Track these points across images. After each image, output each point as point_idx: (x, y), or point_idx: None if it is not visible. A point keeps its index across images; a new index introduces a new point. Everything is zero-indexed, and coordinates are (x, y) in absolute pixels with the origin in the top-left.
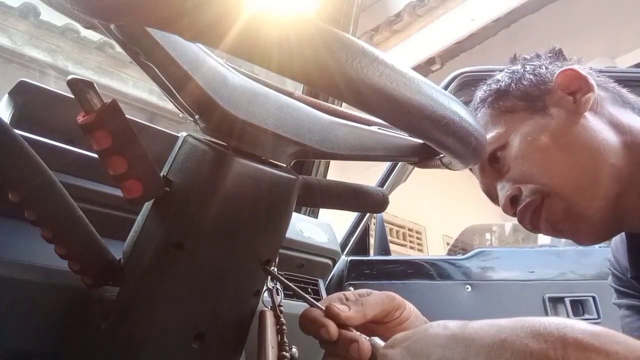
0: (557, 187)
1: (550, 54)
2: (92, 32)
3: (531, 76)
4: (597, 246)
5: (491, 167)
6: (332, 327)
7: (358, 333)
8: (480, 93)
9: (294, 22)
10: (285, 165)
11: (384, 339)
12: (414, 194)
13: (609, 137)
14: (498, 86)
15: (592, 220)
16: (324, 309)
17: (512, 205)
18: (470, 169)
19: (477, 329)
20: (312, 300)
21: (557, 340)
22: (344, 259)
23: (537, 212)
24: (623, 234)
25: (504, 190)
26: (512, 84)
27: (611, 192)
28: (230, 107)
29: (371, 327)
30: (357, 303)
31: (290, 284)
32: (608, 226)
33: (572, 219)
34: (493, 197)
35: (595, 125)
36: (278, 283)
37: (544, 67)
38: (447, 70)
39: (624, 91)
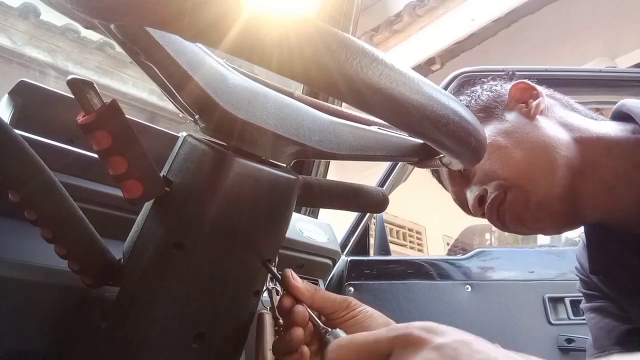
0: (517, 179)
1: (505, 76)
2: (92, 32)
3: (488, 92)
4: None
5: (460, 175)
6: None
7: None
8: None
9: (294, 22)
10: (285, 165)
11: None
12: (414, 194)
13: (560, 133)
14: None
15: (551, 208)
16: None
17: (479, 205)
18: (441, 182)
19: None
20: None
21: None
22: (344, 259)
23: (501, 206)
24: (582, 238)
25: (472, 193)
26: (472, 101)
27: (565, 181)
28: (230, 107)
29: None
30: (311, 285)
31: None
32: (567, 215)
33: (533, 208)
34: (464, 204)
35: (547, 124)
36: (278, 283)
37: (499, 85)
38: (447, 70)
39: (572, 101)
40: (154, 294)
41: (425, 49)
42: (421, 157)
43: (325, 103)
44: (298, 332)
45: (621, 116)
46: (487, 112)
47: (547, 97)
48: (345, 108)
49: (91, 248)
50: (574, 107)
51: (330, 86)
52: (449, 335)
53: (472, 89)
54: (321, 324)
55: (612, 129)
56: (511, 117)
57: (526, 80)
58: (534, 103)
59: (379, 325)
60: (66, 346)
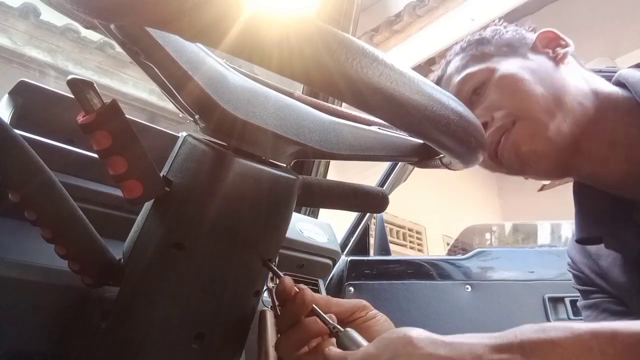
0: (530, 112)
1: (522, 25)
2: (92, 32)
3: (513, 32)
4: None
5: (469, 100)
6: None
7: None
8: (459, 45)
9: (293, 22)
10: (285, 165)
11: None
12: (414, 194)
13: (580, 83)
14: (480, 36)
15: (555, 147)
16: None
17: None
18: None
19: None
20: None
21: (517, 346)
22: (344, 259)
23: (505, 135)
24: (572, 232)
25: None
26: (495, 36)
27: (575, 127)
28: (230, 107)
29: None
30: (323, 297)
31: (282, 278)
32: (564, 160)
33: (538, 142)
34: None
35: (569, 73)
36: (278, 282)
37: (524, 31)
38: None
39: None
40: (154, 294)
41: (425, 49)
42: (421, 157)
43: (325, 103)
44: (313, 322)
45: (617, 85)
46: (511, 48)
47: (570, 50)
48: (345, 108)
49: (91, 248)
50: (584, 65)
51: (330, 86)
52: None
53: (495, 27)
54: (331, 321)
55: (617, 90)
56: (536, 58)
57: (554, 30)
58: (562, 51)
59: (386, 327)
60: (66, 346)
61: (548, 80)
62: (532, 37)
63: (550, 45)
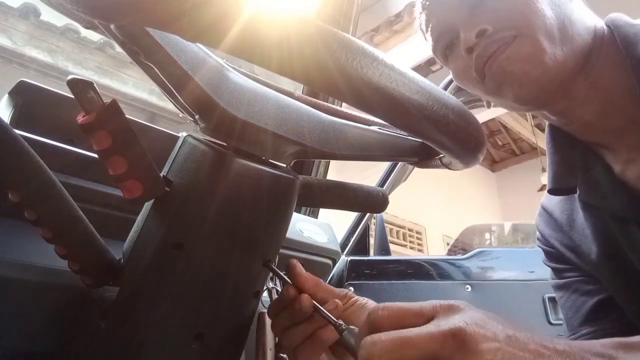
0: (534, 31)
1: None
2: (92, 33)
3: None
4: None
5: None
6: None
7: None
8: None
9: (294, 22)
10: (285, 166)
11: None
12: (414, 194)
13: (585, 17)
14: None
15: (546, 74)
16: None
17: (476, 37)
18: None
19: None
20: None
21: None
22: (344, 259)
23: (501, 48)
24: (541, 204)
25: (463, 41)
26: None
27: (568, 60)
28: (230, 107)
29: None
30: (314, 277)
31: (289, 281)
32: (547, 91)
33: (532, 64)
34: (445, 34)
35: (578, 4)
36: (278, 283)
37: None
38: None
39: None
40: (154, 294)
41: (425, 49)
42: (421, 157)
43: (325, 103)
44: (305, 299)
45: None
46: None
47: None
48: (345, 108)
49: (91, 248)
50: None
51: (330, 86)
52: (483, 311)
53: None
54: (334, 318)
55: (606, 33)
56: None
57: None
58: None
59: None
60: (66, 346)
61: (558, 7)
62: None
63: None
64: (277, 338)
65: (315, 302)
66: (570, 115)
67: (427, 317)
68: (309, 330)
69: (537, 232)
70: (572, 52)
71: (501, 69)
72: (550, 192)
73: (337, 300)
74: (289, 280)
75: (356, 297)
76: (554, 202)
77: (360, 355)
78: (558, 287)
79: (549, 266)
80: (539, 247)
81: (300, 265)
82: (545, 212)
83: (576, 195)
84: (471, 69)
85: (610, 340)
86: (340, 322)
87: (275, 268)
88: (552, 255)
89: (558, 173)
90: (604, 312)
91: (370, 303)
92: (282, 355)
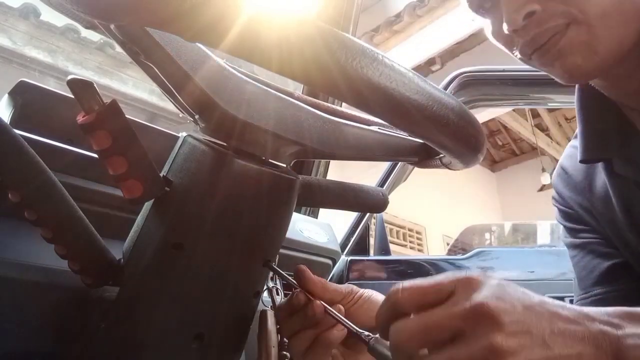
0: (594, 19)
1: None
2: (92, 33)
3: None
4: None
5: None
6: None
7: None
8: None
9: (293, 23)
10: (285, 166)
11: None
12: (414, 194)
13: None
14: None
15: (601, 62)
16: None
17: (523, 20)
18: None
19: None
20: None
21: None
22: (344, 259)
23: (555, 38)
24: (560, 165)
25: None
26: None
27: (630, 41)
28: (230, 107)
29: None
30: (320, 278)
31: (291, 279)
32: (600, 74)
33: (587, 55)
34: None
35: None
36: (278, 282)
37: None
38: (447, 71)
39: None
40: (154, 294)
41: (425, 49)
42: (421, 157)
43: (325, 103)
44: (317, 307)
45: None
46: None
47: None
48: (345, 108)
49: (91, 248)
50: None
51: (330, 86)
52: (498, 279)
53: None
54: (359, 329)
55: None
56: None
57: None
58: None
59: (380, 303)
60: (66, 346)
61: None
62: None
63: None
64: (279, 336)
65: (331, 310)
66: (615, 83)
67: (447, 293)
68: (317, 332)
69: (554, 192)
70: (630, 32)
71: (552, 59)
72: (583, 161)
73: (342, 293)
74: (290, 280)
75: (360, 290)
76: (575, 165)
77: (390, 344)
78: (573, 246)
79: (563, 224)
80: (555, 206)
81: (308, 270)
82: (565, 173)
83: (600, 164)
84: (512, 44)
85: (616, 309)
86: (367, 333)
87: (276, 268)
88: (570, 216)
89: (592, 143)
90: (618, 274)
91: (375, 295)
92: (284, 353)
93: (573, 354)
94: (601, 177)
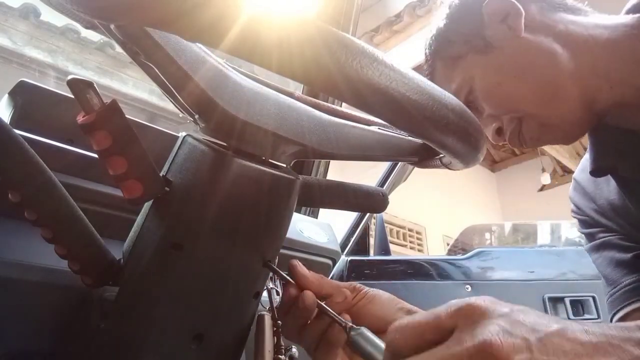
0: (527, 109)
1: None
2: (93, 33)
3: (464, 18)
4: None
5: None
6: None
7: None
8: (425, 45)
9: (293, 23)
10: (285, 166)
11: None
12: (414, 194)
13: (552, 46)
14: (439, 34)
15: (567, 123)
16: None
17: (499, 136)
18: None
19: None
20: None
21: None
22: (344, 259)
23: (521, 134)
24: (574, 178)
25: (487, 127)
26: (450, 31)
27: (573, 93)
28: (230, 107)
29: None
30: (317, 274)
31: (291, 280)
32: (585, 120)
33: (550, 129)
34: None
35: (536, 41)
36: (278, 283)
37: (477, 6)
38: None
39: None
40: (154, 294)
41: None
42: (421, 157)
43: (325, 103)
44: (308, 296)
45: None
46: (471, 43)
47: (529, 2)
48: (345, 108)
49: (91, 248)
50: (554, 3)
51: (331, 86)
52: (508, 306)
53: (442, 9)
54: (342, 319)
55: (602, 24)
56: (498, 42)
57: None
58: (515, 21)
59: (385, 302)
60: (66, 346)
61: (524, 69)
62: (480, 15)
63: (501, 14)
64: (275, 339)
65: (318, 300)
66: (619, 118)
67: (447, 330)
68: (319, 329)
69: (572, 204)
70: (567, 89)
71: (536, 143)
72: (592, 172)
73: (345, 290)
74: (290, 280)
75: (365, 288)
76: (587, 177)
77: None
78: (594, 248)
79: (583, 233)
80: (574, 217)
81: (301, 264)
82: (579, 184)
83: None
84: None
85: None
86: (346, 321)
87: (276, 268)
88: (587, 223)
89: (599, 154)
90: None
91: (380, 294)
92: (280, 357)
93: None
94: (611, 183)
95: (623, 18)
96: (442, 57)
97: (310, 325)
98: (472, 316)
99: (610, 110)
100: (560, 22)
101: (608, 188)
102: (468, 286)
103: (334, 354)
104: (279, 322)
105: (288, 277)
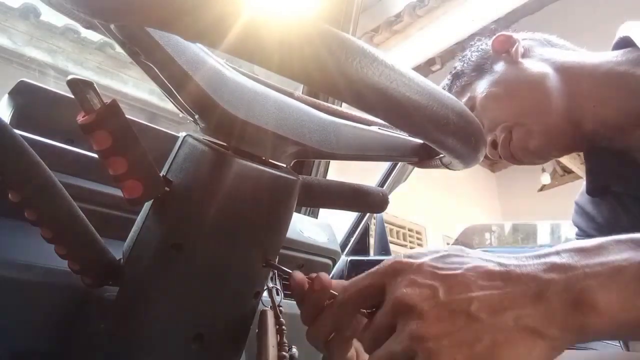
0: (517, 118)
1: (489, 34)
2: (93, 33)
3: (476, 53)
4: None
5: None
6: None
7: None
8: (445, 83)
9: (294, 23)
10: (285, 166)
11: None
12: (414, 194)
13: (543, 68)
14: (455, 72)
15: (553, 133)
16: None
17: (494, 149)
18: None
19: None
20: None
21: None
22: (344, 259)
23: (511, 143)
24: (575, 202)
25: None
26: (464, 64)
27: (558, 106)
28: (230, 107)
29: None
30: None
31: (292, 272)
32: (569, 136)
33: (537, 137)
34: None
35: (530, 64)
36: (278, 283)
37: (484, 44)
38: (447, 71)
39: (553, 37)
40: (154, 294)
41: (425, 50)
42: (421, 157)
43: (325, 103)
44: (298, 275)
45: (622, 43)
46: (479, 69)
47: (528, 39)
48: (345, 108)
49: (91, 248)
50: (553, 43)
51: (331, 86)
52: (428, 254)
53: (463, 54)
54: None
55: (589, 56)
56: (499, 67)
57: (503, 32)
58: (514, 49)
59: None
60: (66, 346)
61: (515, 84)
62: (490, 47)
63: (505, 47)
64: (278, 336)
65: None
66: (605, 137)
67: (379, 287)
68: (334, 317)
69: (575, 229)
70: (554, 102)
71: (526, 154)
72: (589, 192)
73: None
74: (288, 271)
75: None
76: (586, 199)
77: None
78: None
79: None
80: (577, 237)
81: (323, 275)
82: (580, 208)
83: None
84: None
85: (564, 246)
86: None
87: (278, 265)
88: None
89: (594, 176)
90: None
91: None
92: (283, 353)
93: (509, 319)
94: (608, 201)
95: (610, 53)
96: (455, 86)
97: (320, 317)
98: (393, 273)
99: (599, 131)
100: (555, 54)
101: (606, 207)
102: None
103: (348, 345)
104: (282, 320)
105: (290, 272)
